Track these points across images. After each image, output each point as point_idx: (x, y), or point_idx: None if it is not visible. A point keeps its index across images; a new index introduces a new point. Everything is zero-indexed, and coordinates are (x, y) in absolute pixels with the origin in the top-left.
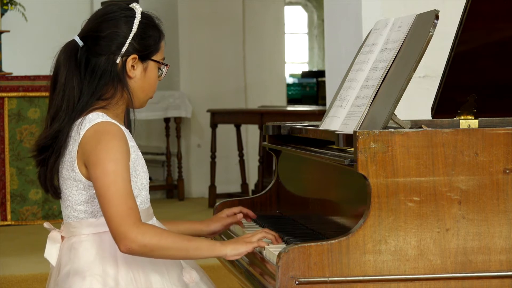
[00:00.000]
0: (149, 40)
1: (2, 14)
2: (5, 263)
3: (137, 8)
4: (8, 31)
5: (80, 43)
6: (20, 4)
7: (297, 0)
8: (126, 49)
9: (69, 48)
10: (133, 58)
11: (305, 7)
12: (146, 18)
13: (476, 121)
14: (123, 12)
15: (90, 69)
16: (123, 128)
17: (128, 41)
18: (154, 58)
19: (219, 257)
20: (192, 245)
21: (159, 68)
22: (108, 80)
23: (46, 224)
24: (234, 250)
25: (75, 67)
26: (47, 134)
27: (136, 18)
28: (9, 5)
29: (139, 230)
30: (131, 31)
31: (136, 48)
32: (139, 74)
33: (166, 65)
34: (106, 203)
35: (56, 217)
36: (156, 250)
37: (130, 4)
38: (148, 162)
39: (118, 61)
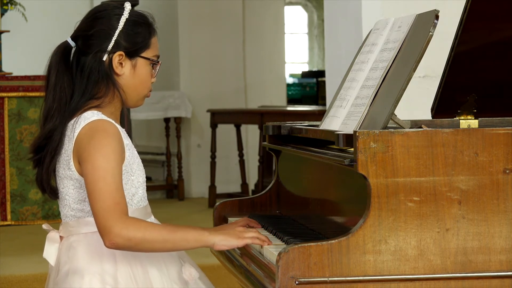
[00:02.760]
0: (137, 37)
1: (2, 14)
2: (5, 263)
3: (127, 7)
4: (8, 31)
5: (72, 43)
6: (20, 4)
7: (297, 0)
8: (112, 46)
9: (61, 49)
10: (119, 55)
11: (305, 7)
12: (135, 15)
13: (476, 121)
14: (112, 10)
15: (79, 68)
16: (118, 126)
17: (114, 38)
18: (143, 55)
19: (207, 246)
20: (178, 237)
21: (153, 66)
22: (97, 78)
23: (45, 226)
24: (225, 241)
25: (66, 68)
26: (40, 134)
27: (123, 16)
28: (9, 5)
29: (123, 224)
30: (117, 28)
31: (122, 45)
32: (127, 72)
33: (158, 61)
34: (94, 198)
35: (56, 217)
36: (141, 243)
37: (123, 4)
38: (148, 162)
39: (104, 58)
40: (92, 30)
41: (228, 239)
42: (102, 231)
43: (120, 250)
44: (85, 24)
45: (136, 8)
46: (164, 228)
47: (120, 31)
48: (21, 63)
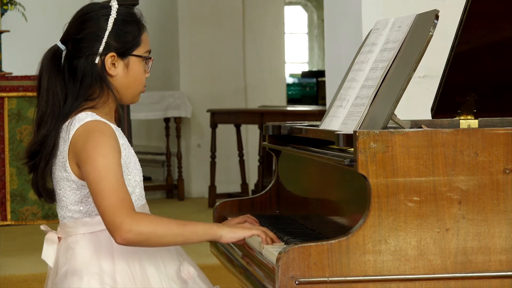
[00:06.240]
0: (127, 36)
1: (2, 14)
2: (5, 263)
3: (114, 6)
4: (8, 31)
5: (62, 47)
6: (20, 4)
7: (297, 0)
8: (103, 48)
9: (51, 53)
10: (111, 56)
11: (305, 7)
12: (123, 14)
13: (476, 121)
14: (99, 11)
15: (72, 72)
16: (113, 126)
17: (104, 39)
18: (135, 53)
19: (215, 240)
20: (188, 230)
21: (145, 62)
22: (91, 81)
23: (43, 227)
24: (232, 233)
25: (58, 72)
26: (35, 140)
27: (111, 16)
28: (9, 5)
29: (133, 219)
30: (106, 29)
31: (113, 46)
32: (121, 71)
33: (150, 58)
34: (98, 197)
35: (55, 217)
36: (152, 238)
37: (110, 2)
38: (148, 162)
39: (97, 61)
40: (81, 33)
41: (235, 231)
42: (112, 228)
43: (131, 246)
44: (74, 27)
45: (136, 8)
46: (174, 222)
47: (109, 32)
48: (21, 63)
